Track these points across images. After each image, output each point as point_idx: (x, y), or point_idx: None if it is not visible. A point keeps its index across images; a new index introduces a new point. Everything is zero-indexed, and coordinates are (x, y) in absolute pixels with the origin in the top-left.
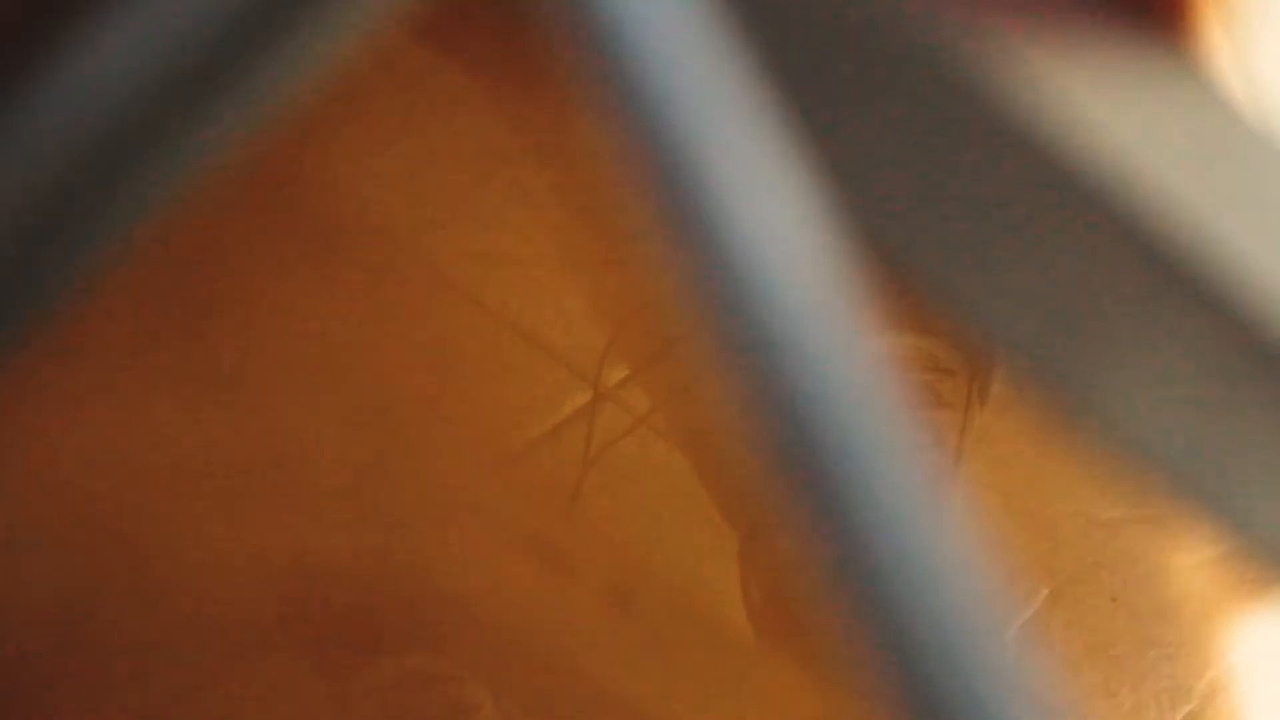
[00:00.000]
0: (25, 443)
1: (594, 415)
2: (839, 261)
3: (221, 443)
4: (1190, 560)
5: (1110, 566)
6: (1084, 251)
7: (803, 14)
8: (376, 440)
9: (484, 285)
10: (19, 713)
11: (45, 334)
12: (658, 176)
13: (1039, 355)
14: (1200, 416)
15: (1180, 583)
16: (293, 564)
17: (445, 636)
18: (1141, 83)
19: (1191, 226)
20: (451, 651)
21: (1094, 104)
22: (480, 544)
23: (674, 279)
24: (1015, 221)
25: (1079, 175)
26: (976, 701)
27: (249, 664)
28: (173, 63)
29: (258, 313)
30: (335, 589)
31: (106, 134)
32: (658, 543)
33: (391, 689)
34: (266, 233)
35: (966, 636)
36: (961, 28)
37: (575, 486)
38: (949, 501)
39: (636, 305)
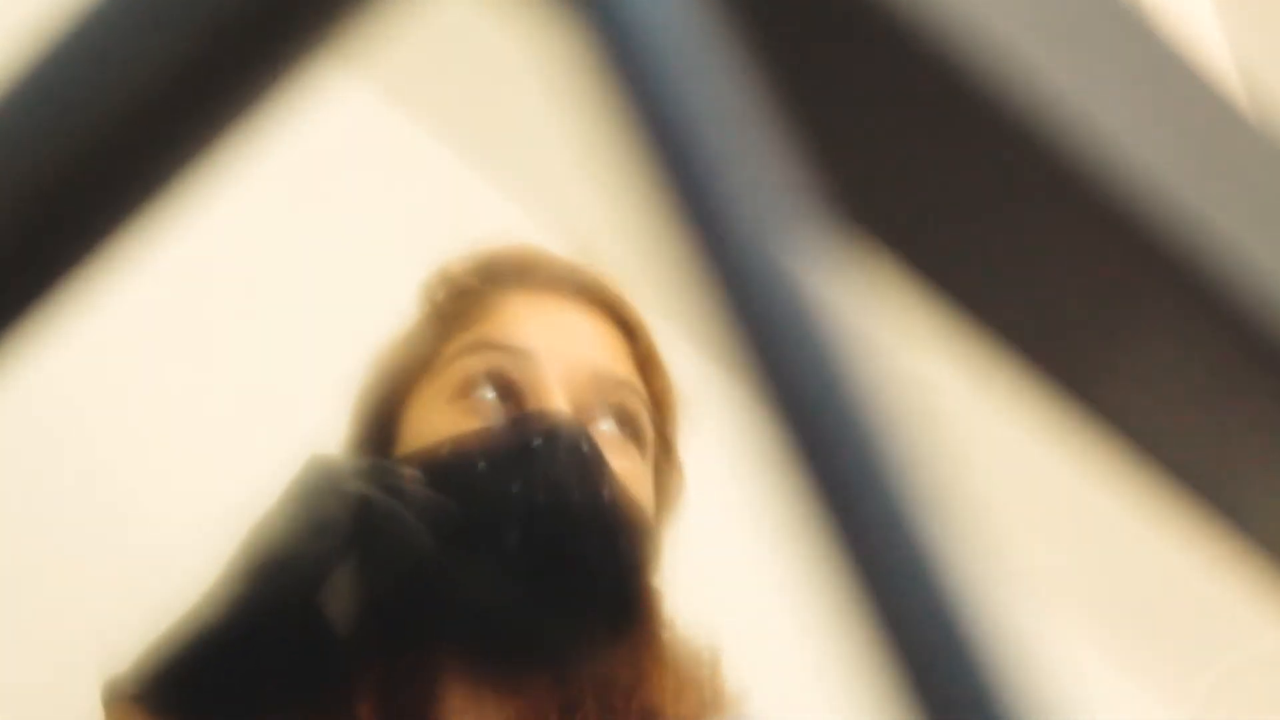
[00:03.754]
0: None
1: None
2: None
3: None
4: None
5: None
6: (1083, 251)
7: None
8: None
9: None
10: None
11: None
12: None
13: (1039, 355)
14: (1201, 416)
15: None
16: None
17: None
18: (1141, 82)
19: (1191, 226)
20: None
21: (1094, 102)
22: None
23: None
24: (1015, 220)
25: (1079, 174)
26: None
27: None
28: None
29: None
30: None
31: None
32: None
33: None
34: None
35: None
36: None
37: None
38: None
39: None
